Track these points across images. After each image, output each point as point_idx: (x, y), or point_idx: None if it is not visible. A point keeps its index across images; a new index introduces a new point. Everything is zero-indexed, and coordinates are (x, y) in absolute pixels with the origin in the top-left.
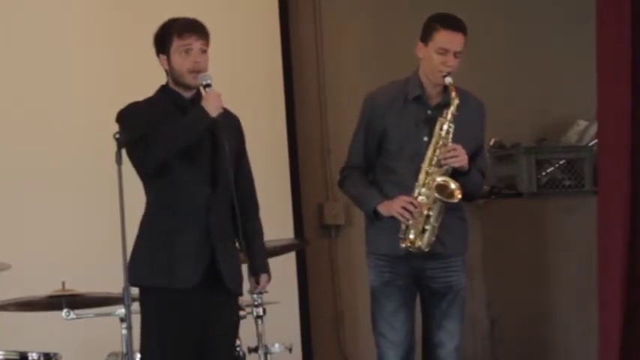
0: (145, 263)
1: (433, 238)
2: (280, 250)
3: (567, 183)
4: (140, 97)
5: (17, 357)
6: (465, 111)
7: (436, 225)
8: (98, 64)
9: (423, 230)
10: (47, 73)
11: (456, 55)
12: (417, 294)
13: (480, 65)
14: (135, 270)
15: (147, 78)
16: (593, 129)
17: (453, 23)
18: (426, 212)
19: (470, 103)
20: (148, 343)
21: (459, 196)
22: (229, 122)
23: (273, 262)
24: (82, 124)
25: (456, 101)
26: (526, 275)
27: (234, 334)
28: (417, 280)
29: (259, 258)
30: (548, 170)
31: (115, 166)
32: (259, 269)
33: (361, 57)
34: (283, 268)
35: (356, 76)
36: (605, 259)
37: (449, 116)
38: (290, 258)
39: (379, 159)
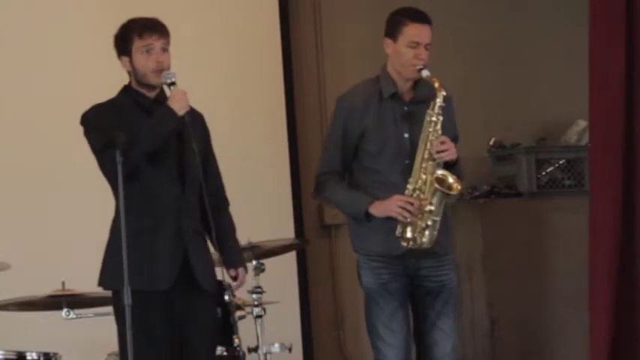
0: (117, 267)
1: (435, 233)
2: (280, 249)
3: (567, 183)
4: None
5: (17, 357)
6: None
7: (437, 219)
8: (96, 64)
9: (426, 226)
10: (47, 72)
11: (426, 47)
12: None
13: (480, 65)
14: (107, 274)
15: None
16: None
17: (420, 16)
18: (427, 207)
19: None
20: (126, 347)
21: (457, 189)
22: (194, 120)
23: (274, 262)
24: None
25: (443, 93)
26: (526, 275)
27: (213, 334)
28: (411, 280)
29: (234, 253)
30: (548, 170)
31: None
32: (236, 264)
33: (361, 57)
34: (283, 268)
35: (356, 76)
36: (595, 260)
37: (436, 109)
38: (290, 258)
39: (355, 161)
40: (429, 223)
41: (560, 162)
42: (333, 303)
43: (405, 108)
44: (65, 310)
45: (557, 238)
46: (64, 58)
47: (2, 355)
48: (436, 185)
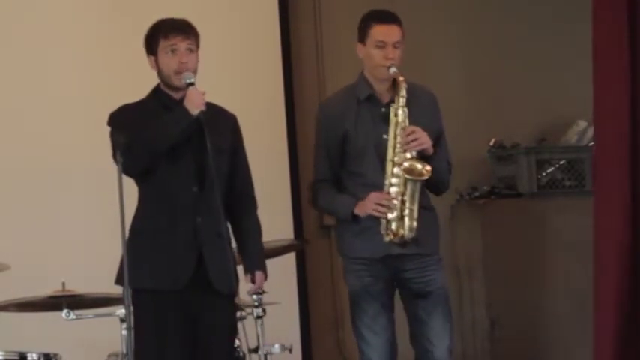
0: (132, 265)
1: (415, 223)
2: (280, 250)
3: (567, 183)
4: (142, 98)
5: (17, 357)
6: (419, 101)
7: (413, 208)
8: (99, 63)
9: (402, 217)
10: (47, 72)
11: (395, 45)
12: (394, 295)
13: (479, 65)
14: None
15: (148, 78)
16: (593, 129)
17: (385, 16)
18: (400, 198)
19: (419, 95)
20: (140, 345)
21: (429, 172)
22: (223, 121)
23: (273, 263)
24: (82, 124)
25: (404, 85)
26: (526, 275)
27: (229, 335)
28: (396, 282)
29: (253, 255)
30: (549, 170)
31: (114, 166)
32: (253, 266)
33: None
34: (283, 269)
35: (355, 76)
36: (601, 260)
37: (400, 101)
38: (290, 258)
39: (344, 164)
40: (406, 212)
41: (561, 162)
42: (333, 303)
43: (383, 109)
44: (65, 310)
45: (557, 238)
46: (64, 59)
47: (3, 355)
48: (406, 176)
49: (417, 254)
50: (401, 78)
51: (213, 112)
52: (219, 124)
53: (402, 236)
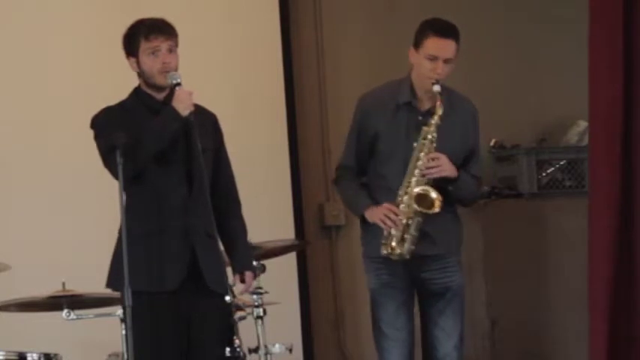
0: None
1: (413, 247)
2: (281, 250)
3: (567, 183)
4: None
5: (17, 357)
6: (457, 114)
7: (416, 234)
8: (98, 64)
9: (403, 239)
10: (47, 73)
11: (446, 61)
12: (415, 294)
13: (480, 65)
14: (115, 275)
15: None
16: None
17: (443, 29)
18: (405, 221)
19: (462, 107)
20: (136, 348)
21: (438, 207)
22: (205, 120)
23: (274, 263)
24: (82, 125)
25: (440, 111)
26: (526, 275)
27: (222, 334)
28: (415, 282)
29: (242, 255)
30: (549, 171)
31: None
32: (243, 267)
33: (361, 57)
34: (284, 269)
35: (356, 77)
36: (595, 259)
37: (432, 126)
38: (290, 258)
39: (371, 162)
40: (407, 236)
41: (561, 163)
42: (333, 304)
43: (420, 118)
44: (66, 310)
45: (557, 238)
46: (63, 58)
47: (3, 355)
48: (414, 205)
49: (436, 255)
50: (438, 103)
51: (196, 111)
52: (203, 123)
53: (400, 255)
